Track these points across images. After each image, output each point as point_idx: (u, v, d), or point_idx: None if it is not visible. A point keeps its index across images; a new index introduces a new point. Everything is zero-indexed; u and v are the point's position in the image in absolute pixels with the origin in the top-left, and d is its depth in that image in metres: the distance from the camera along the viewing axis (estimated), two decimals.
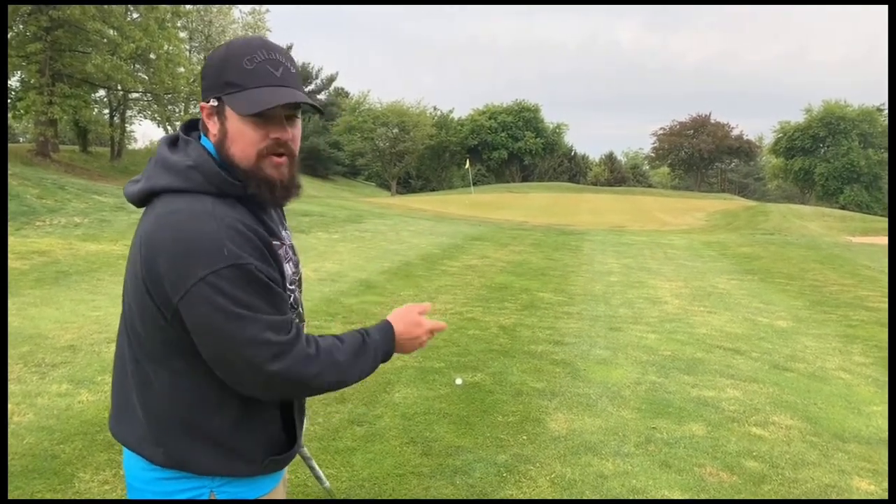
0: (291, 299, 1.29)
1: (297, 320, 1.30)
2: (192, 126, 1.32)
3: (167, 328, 1.18)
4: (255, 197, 1.23)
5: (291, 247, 1.39)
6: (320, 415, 3.75)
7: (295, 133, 1.25)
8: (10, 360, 4.42)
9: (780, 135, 52.99)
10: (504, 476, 3.17)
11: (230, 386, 1.20)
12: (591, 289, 8.43)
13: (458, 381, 4.36)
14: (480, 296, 7.58)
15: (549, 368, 4.80)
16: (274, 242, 1.26)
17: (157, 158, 1.25)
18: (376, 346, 1.31)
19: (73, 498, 2.82)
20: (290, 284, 1.30)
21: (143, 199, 1.25)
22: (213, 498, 1.25)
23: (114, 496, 2.84)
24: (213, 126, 1.23)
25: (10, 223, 10.14)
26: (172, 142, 1.28)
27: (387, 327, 1.35)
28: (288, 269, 1.29)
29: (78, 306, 6.02)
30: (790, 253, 14.04)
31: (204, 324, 1.14)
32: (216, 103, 1.21)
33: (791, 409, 4.25)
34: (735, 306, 7.70)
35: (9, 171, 14.85)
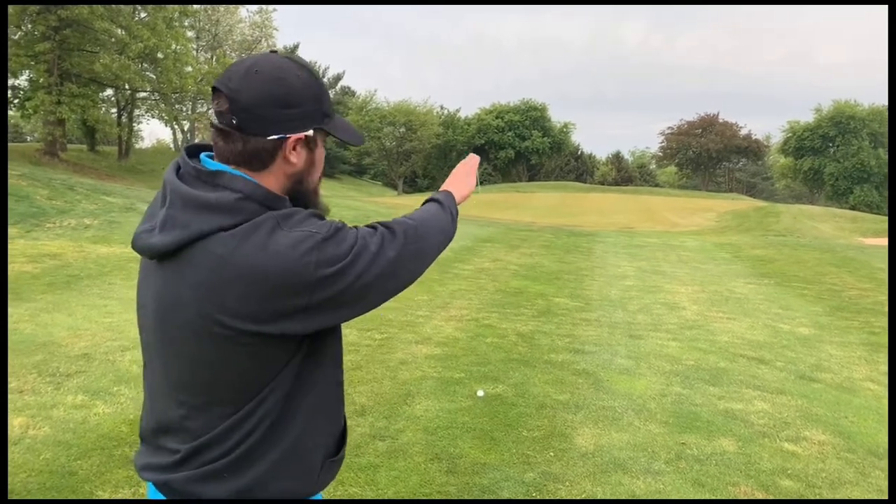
0: None
1: None
2: (192, 153, 1.21)
3: (263, 356, 1.12)
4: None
5: None
6: None
7: None
8: (24, 369, 4.36)
9: (790, 134, 52.71)
10: (533, 496, 3.07)
11: (327, 366, 1.22)
12: (607, 293, 8.32)
13: (480, 393, 4.26)
14: (495, 301, 7.48)
15: (572, 379, 4.70)
16: None
17: (184, 199, 1.12)
18: (448, 204, 1.40)
19: None
20: None
21: (181, 248, 1.11)
22: None
23: None
24: (295, 156, 1.17)
25: (20, 225, 10.10)
26: (193, 176, 1.15)
27: (446, 194, 1.44)
28: None
29: (90, 312, 5.95)
30: (804, 255, 13.89)
31: (344, 292, 1.11)
32: (311, 133, 1.18)
33: (822, 423, 4.14)
34: (754, 312, 7.58)
35: (18, 172, 14.83)
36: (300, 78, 1.16)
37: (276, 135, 1.13)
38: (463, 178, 1.52)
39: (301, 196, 1.21)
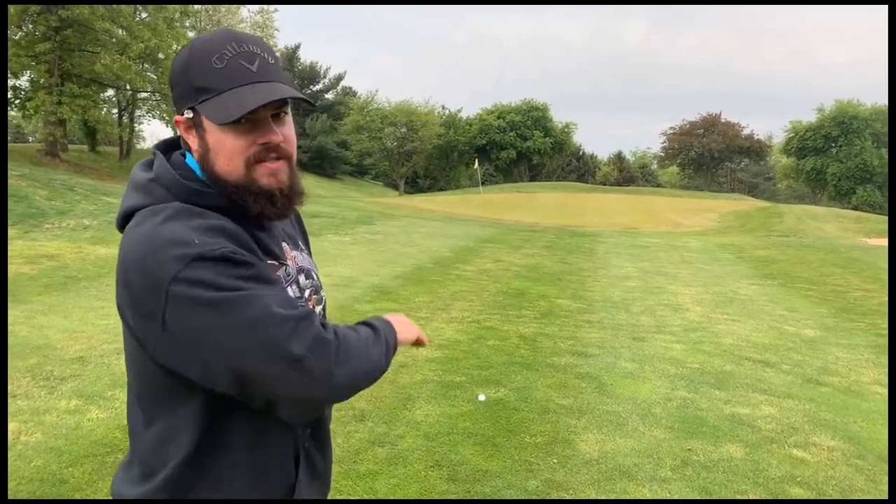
0: None
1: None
2: (173, 145, 1.15)
3: (155, 371, 1.02)
4: (245, 209, 1.06)
5: (302, 270, 1.18)
6: (339, 435, 3.58)
7: (286, 133, 1.07)
8: (18, 373, 4.28)
9: (792, 134, 52.53)
10: None
11: (258, 416, 1.05)
12: (609, 295, 8.24)
13: (482, 398, 4.18)
14: (497, 302, 7.40)
15: (575, 383, 4.61)
16: (269, 262, 1.08)
17: (129, 181, 1.12)
18: (386, 334, 1.14)
19: None
20: None
21: (122, 227, 1.09)
22: None
23: None
24: (192, 141, 1.07)
25: (18, 226, 10.04)
26: (147, 163, 1.13)
27: (386, 323, 1.19)
28: (289, 292, 1.11)
29: (87, 314, 5.88)
30: (808, 256, 13.79)
31: (192, 328, 0.93)
32: (191, 114, 1.05)
33: (831, 428, 4.05)
34: (759, 314, 7.49)
35: (18, 172, 14.77)
36: (177, 57, 1.07)
37: (179, 110, 1.08)
38: (407, 324, 1.24)
39: (220, 189, 1.06)
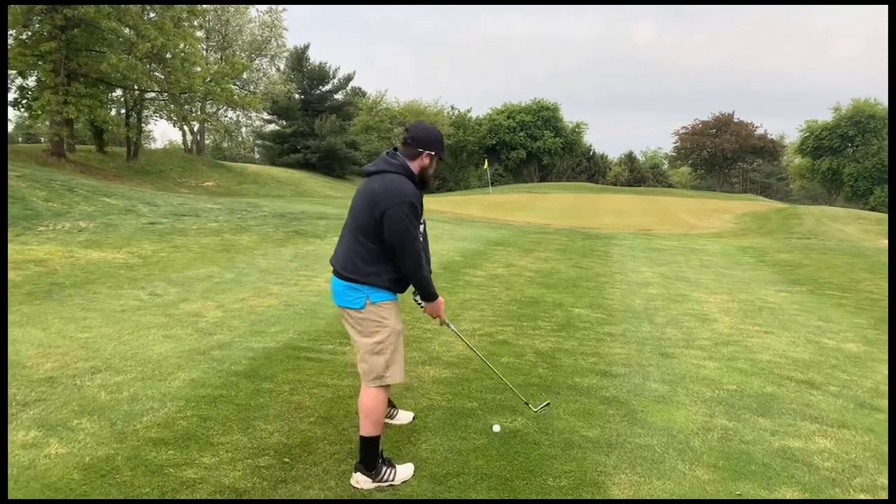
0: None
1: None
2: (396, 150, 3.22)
3: (375, 225, 3.01)
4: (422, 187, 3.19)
5: (422, 221, 3.22)
6: (332, 476, 3.10)
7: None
8: None
9: (807, 134, 51.64)
10: None
11: (393, 251, 3.05)
12: (630, 303, 7.70)
13: (496, 428, 3.68)
14: (510, 312, 6.89)
15: (601, 410, 4.10)
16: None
17: (383, 160, 3.14)
18: (432, 290, 3.30)
19: None
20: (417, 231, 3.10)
21: (378, 173, 3.11)
22: (368, 301, 3.10)
23: None
24: (426, 160, 3.17)
25: (10, 229, 9.62)
26: (390, 156, 3.15)
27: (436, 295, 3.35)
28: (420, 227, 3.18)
29: (67, 326, 5.43)
30: (834, 260, 13.18)
31: (397, 225, 2.98)
32: (433, 153, 3.17)
33: None
34: (792, 324, 6.94)
35: (18, 173, 14.41)
36: (437, 133, 3.23)
37: (421, 149, 3.15)
38: (440, 306, 3.44)
39: (423, 178, 3.18)
